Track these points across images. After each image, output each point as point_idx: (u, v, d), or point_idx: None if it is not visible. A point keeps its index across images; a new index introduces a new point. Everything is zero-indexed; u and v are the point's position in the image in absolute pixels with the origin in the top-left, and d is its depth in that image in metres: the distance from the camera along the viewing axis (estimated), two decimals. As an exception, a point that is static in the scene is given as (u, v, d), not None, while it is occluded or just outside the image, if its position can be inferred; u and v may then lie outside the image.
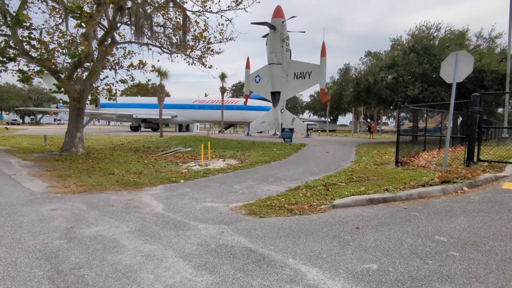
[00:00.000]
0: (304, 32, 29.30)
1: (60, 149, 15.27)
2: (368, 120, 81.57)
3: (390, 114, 79.50)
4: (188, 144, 18.35)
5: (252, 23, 27.64)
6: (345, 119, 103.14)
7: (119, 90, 18.99)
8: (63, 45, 15.73)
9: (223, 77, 38.08)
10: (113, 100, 17.57)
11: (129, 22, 15.41)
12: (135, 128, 48.71)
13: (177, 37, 15.96)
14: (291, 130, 20.51)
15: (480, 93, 8.24)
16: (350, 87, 22.82)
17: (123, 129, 54.32)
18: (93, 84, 15.88)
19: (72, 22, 13.75)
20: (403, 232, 4.35)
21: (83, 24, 12.73)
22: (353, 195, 5.95)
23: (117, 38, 17.07)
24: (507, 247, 3.78)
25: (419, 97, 16.91)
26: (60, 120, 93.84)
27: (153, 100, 40.56)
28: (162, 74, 28.59)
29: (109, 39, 16.23)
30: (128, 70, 18.33)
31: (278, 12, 27.12)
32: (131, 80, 18.30)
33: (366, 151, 15.64)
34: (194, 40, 17.78)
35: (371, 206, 5.61)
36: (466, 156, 8.23)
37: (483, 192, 6.31)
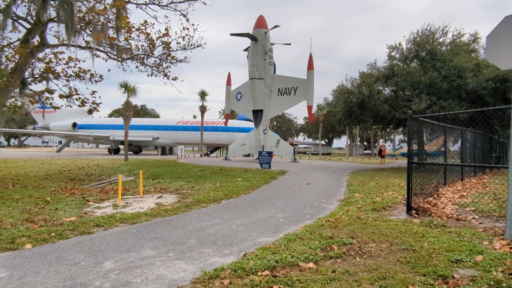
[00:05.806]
0: (289, 44, 26.32)
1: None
2: (365, 143, 78.44)
3: (387, 137, 76.16)
4: (135, 172, 14.52)
5: (231, 34, 24.65)
6: (341, 142, 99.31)
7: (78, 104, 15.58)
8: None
9: (203, 95, 34.68)
10: (20, 115, 14.12)
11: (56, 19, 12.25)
12: (114, 151, 44.75)
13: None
14: (270, 154, 16.79)
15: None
16: (340, 103, 19.22)
17: (103, 152, 50.23)
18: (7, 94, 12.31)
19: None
20: None
21: None
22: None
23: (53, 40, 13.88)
24: None
25: (426, 112, 13.39)
26: (48, 142, 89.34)
27: (134, 120, 36.80)
28: (129, 90, 25.08)
29: (35, 39, 13.01)
30: (67, 80, 14.93)
31: (260, 22, 24.18)
32: (75, 93, 14.95)
33: (361, 182, 11.85)
34: (148, 42, 14.63)
35: None
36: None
37: None
